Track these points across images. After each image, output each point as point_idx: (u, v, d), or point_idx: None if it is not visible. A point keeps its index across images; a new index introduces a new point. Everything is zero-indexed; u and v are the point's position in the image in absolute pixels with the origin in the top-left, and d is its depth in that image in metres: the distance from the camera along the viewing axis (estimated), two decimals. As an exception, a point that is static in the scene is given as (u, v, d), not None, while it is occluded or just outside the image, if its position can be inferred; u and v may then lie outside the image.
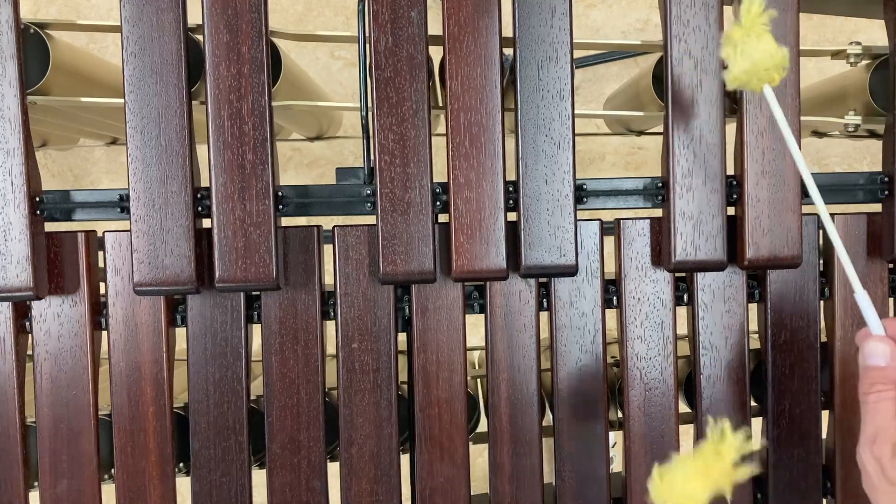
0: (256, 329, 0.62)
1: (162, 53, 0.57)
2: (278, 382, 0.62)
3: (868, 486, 0.49)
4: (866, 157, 1.43)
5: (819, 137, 0.99)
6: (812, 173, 0.62)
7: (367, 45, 0.58)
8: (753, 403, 0.66)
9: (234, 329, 0.61)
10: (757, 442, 0.45)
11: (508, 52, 0.60)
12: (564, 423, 0.63)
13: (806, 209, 0.61)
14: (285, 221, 0.61)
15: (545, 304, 0.62)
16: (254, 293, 0.62)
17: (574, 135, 0.59)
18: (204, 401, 0.62)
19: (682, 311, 0.64)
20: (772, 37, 0.49)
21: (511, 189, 0.59)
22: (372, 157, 0.59)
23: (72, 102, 0.74)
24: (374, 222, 0.59)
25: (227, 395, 0.62)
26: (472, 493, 0.63)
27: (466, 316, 0.62)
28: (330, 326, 0.63)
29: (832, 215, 0.63)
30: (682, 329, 0.64)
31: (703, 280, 0.62)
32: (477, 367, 0.99)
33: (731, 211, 0.60)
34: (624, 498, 0.65)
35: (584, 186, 0.62)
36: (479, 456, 0.67)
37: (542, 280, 0.62)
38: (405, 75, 0.58)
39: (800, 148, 0.54)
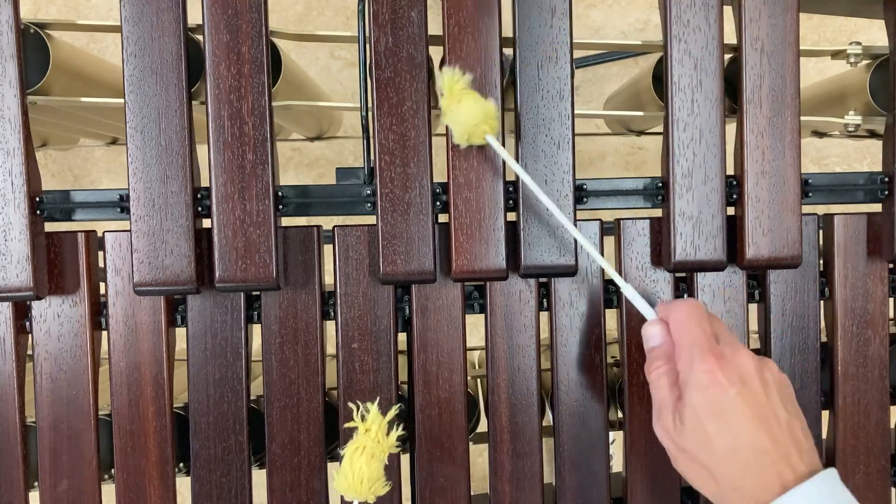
0: (256, 329, 0.62)
1: (162, 53, 0.57)
2: (278, 382, 0.62)
3: (673, 462, 0.51)
4: (866, 157, 1.43)
5: (819, 137, 0.99)
6: (812, 173, 0.63)
7: (367, 45, 0.58)
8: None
9: (234, 329, 0.61)
10: (393, 410, 0.53)
11: (508, 52, 0.60)
12: (564, 423, 0.63)
13: (806, 209, 0.61)
14: (285, 221, 0.61)
15: (545, 304, 0.62)
16: (254, 293, 0.62)
17: (574, 135, 0.59)
18: (204, 401, 0.62)
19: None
20: (473, 97, 0.55)
21: (511, 189, 0.59)
22: (372, 157, 0.59)
23: (72, 102, 0.74)
24: (374, 222, 0.59)
25: (227, 395, 0.62)
26: (472, 493, 0.63)
27: (466, 316, 0.62)
28: (330, 326, 0.63)
29: (832, 215, 0.64)
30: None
31: (703, 280, 0.62)
32: (477, 367, 1.00)
33: (731, 211, 0.60)
34: (624, 498, 0.65)
35: (584, 186, 0.62)
36: (479, 456, 0.67)
37: (542, 280, 0.62)
38: (405, 75, 0.58)
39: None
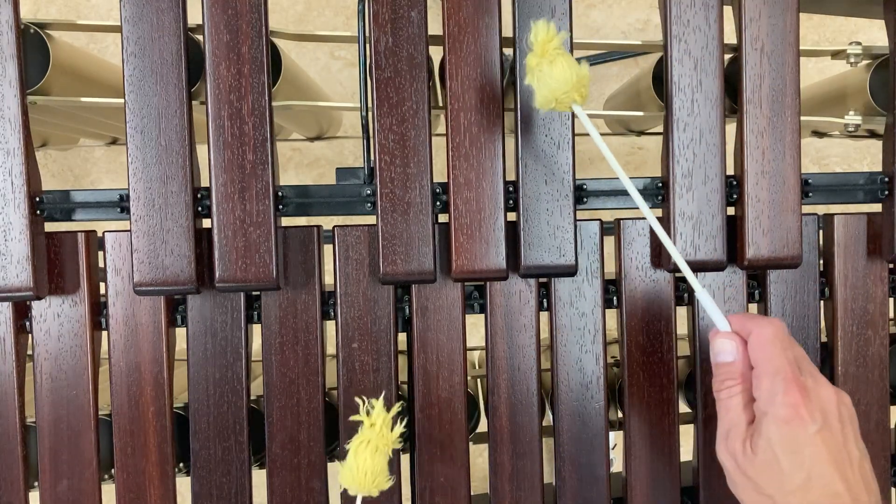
0: (256, 329, 0.62)
1: (162, 53, 0.57)
2: (278, 382, 0.62)
3: (730, 483, 0.50)
4: (866, 157, 1.43)
5: (819, 137, 0.99)
6: (812, 173, 0.63)
7: (367, 45, 0.58)
8: (753, 403, 0.66)
9: (234, 329, 0.61)
10: (397, 406, 0.54)
11: (508, 52, 0.60)
12: (564, 423, 0.63)
13: (806, 209, 0.61)
14: (285, 221, 0.61)
15: (545, 304, 0.62)
16: (254, 293, 0.62)
17: (574, 135, 0.59)
18: (204, 401, 0.62)
19: (682, 311, 0.64)
20: (567, 60, 0.50)
21: (511, 189, 0.59)
22: (372, 157, 0.59)
23: (72, 102, 0.74)
24: (374, 222, 0.59)
25: (227, 395, 0.62)
26: (472, 493, 0.63)
27: (466, 316, 0.62)
28: (330, 326, 0.63)
29: (832, 215, 0.64)
30: (683, 329, 0.64)
31: (703, 280, 0.62)
32: (477, 367, 0.99)
33: (731, 211, 0.60)
34: (624, 498, 0.65)
35: (584, 186, 0.62)
36: (479, 456, 0.67)
37: (542, 280, 0.62)
38: (405, 75, 0.58)
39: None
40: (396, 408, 0.54)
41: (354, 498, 0.53)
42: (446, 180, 0.58)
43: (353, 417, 0.53)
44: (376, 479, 0.52)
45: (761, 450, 0.47)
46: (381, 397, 0.53)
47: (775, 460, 0.46)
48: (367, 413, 0.52)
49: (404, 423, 0.53)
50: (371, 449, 0.51)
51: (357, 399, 0.53)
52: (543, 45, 0.50)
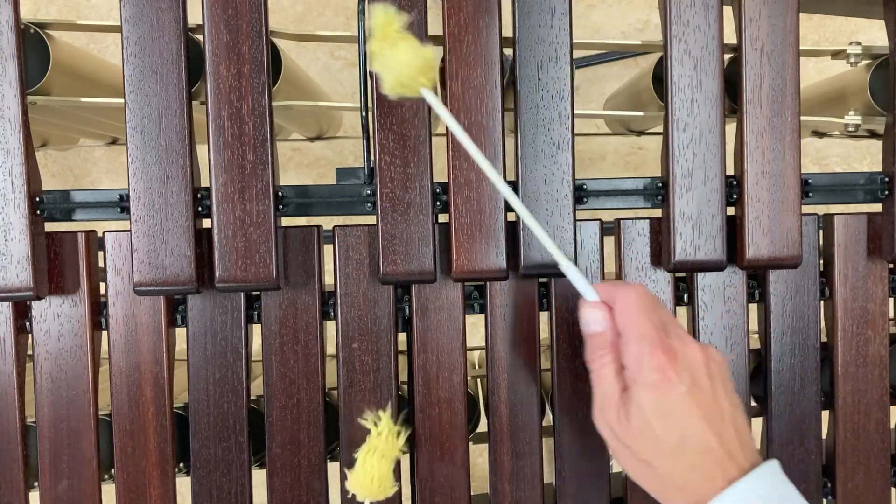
0: (256, 329, 0.62)
1: (162, 53, 0.57)
2: (278, 382, 0.62)
3: (612, 453, 0.50)
4: (866, 157, 1.43)
5: (819, 137, 0.99)
6: (812, 173, 0.63)
7: (367, 45, 0.58)
8: (753, 403, 0.66)
9: (234, 329, 0.61)
10: (399, 418, 0.55)
11: (508, 52, 0.60)
12: (564, 423, 0.63)
13: (806, 209, 0.61)
14: (285, 221, 0.61)
15: (545, 304, 0.62)
16: (254, 293, 0.62)
17: (573, 135, 0.59)
18: (204, 401, 0.62)
19: (682, 311, 0.64)
20: (409, 43, 0.48)
21: (511, 189, 0.59)
22: (372, 157, 0.59)
23: (72, 102, 0.74)
24: (374, 222, 0.59)
25: (227, 395, 0.62)
26: (472, 493, 0.63)
27: (466, 316, 0.62)
28: (330, 326, 0.63)
29: (832, 215, 0.64)
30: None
31: (703, 280, 0.62)
32: (477, 367, 1.00)
33: (731, 211, 0.60)
34: (624, 498, 0.65)
35: (584, 186, 0.62)
36: (479, 456, 0.67)
37: (542, 280, 0.62)
38: (405, 75, 0.57)
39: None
40: (402, 417, 0.56)
41: (354, 497, 0.54)
42: (446, 180, 0.58)
43: (362, 421, 0.54)
44: (383, 484, 0.53)
45: (634, 417, 0.47)
46: (389, 407, 0.55)
47: (648, 426, 0.46)
48: (375, 424, 0.54)
49: (409, 431, 0.55)
50: (378, 456, 0.53)
51: (367, 411, 0.55)
52: (383, 29, 0.48)
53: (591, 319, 0.50)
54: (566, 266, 0.52)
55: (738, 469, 0.46)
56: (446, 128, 0.57)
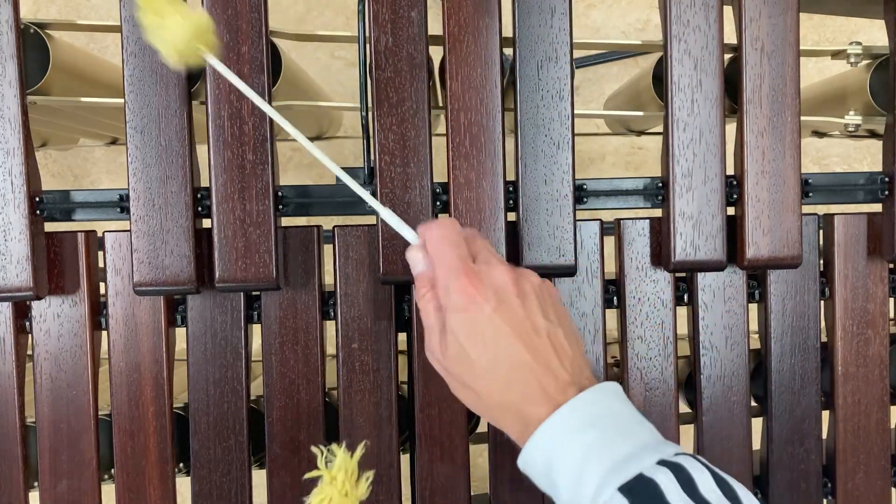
0: (256, 329, 0.62)
1: (162, 53, 0.57)
2: (278, 382, 0.62)
3: (450, 387, 0.50)
4: (866, 157, 1.43)
5: (819, 137, 0.99)
6: (812, 173, 0.63)
7: (367, 45, 0.58)
8: (753, 403, 0.66)
9: (234, 329, 0.61)
10: (355, 453, 0.46)
11: (508, 52, 0.60)
12: (564, 423, 0.62)
13: (806, 209, 0.61)
14: (285, 221, 0.61)
15: (545, 304, 0.62)
16: (254, 293, 0.62)
17: (573, 135, 0.59)
18: (204, 401, 0.62)
19: (682, 311, 0.64)
20: (179, 9, 0.47)
21: (511, 189, 0.59)
22: (372, 157, 0.59)
23: (72, 102, 0.74)
24: (374, 222, 0.59)
25: (227, 395, 0.62)
26: (472, 494, 0.63)
27: (466, 316, 0.62)
28: (330, 326, 0.63)
29: (832, 215, 0.64)
30: (683, 329, 0.64)
31: (703, 280, 0.62)
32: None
33: (731, 211, 0.60)
34: (624, 498, 0.65)
35: (584, 186, 0.62)
36: (479, 456, 0.67)
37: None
38: (405, 75, 0.58)
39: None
40: (360, 449, 0.46)
41: None
42: (446, 180, 0.58)
43: (309, 475, 0.46)
44: None
45: (450, 343, 0.47)
46: (343, 445, 0.46)
47: (463, 350, 0.47)
48: (326, 464, 0.45)
49: (370, 476, 0.46)
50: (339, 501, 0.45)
51: (314, 449, 0.46)
52: (150, 2, 0.47)
53: (414, 261, 0.51)
54: (384, 213, 0.51)
55: (556, 382, 0.45)
56: (446, 127, 0.57)
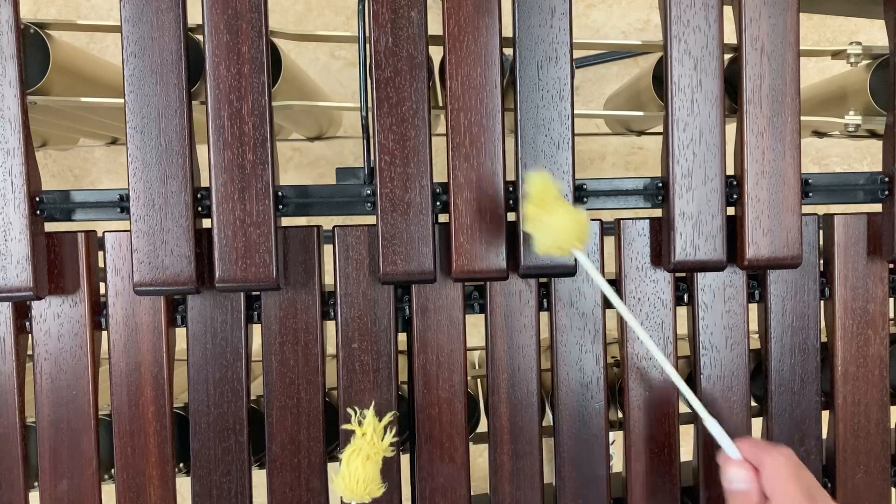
0: (256, 329, 0.62)
1: (162, 53, 0.57)
2: (278, 382, 0.62)
3: None
4: (866, 157, 1.43)
5: (819, 137, 0.99)
6: (812, 173, 0.63)
7: (367, 45, 0.58)
8: (753, 403, 0.66)
9: (234, 329, 0.61)
10: (388, 416, 0.55)
11: (508, 52, 0.60)
12: (564, 423, 0.62)
13: (806, 209, 0.61)
14: (285, 221, 0.61)
15: (545, 304, 0.62)
16: (254, 293, 0.62)
17: (573, 135, 0.59)
18: (204, 401, 0.62)
19: (682, 311, 0.64)
20: (565, 208, 0.52)
21: (511, 189, 0.59)
22: (372, 157, 0.59)
23: (72, 102, 0.74)
24: (374, 222, 0.59)
25: (227, 395, 0.62)
26: (472, 493, 0.63)
27: (466, 316, 0.62)
28: (330, 326, 0.63)
29: (832, 215, 0.64)
30: (683, 329, 0.64)
31: (703, 280, 0.62)
32: (477, 367, 0.99)
33: (731, 211, 0.60)
34: (624, 498, 0.65)
35: (584, 186, 0.62)
36: (479, 456, 0.67)
37: (542, 280, 0.62)
38: (405, 75, 0.58)
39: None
40: (388, 417, 0.55)
41: (351, 500, 0.54)
42: (446, 180, 0.58)
43: (345, 426, 0.55)
44: (368, 486, 0.53)
45: None
46: (372, 406, 0.55)
47: None
48: (359, 423, 0.54)
49: (394, 431, 0.55)
50: (363, 457, 0.53)
51: (349, 409, 0.55)
52: (541, 196, 0.52)
53: (736, 478, 0.52)
54: (709, 421, 0.54)
55: None
56: (446, 127, 0.57)
